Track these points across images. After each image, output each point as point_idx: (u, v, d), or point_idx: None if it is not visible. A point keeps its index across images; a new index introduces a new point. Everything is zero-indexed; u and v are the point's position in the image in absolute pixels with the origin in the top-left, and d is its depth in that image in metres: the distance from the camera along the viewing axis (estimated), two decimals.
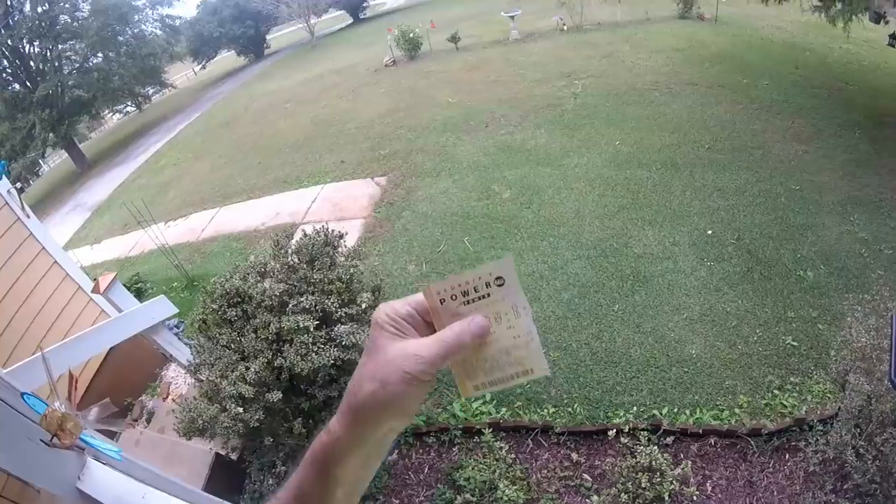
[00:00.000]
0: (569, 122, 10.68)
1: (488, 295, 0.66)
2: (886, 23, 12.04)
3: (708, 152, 8.89)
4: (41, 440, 2.29)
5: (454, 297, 0.66)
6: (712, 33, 15.42)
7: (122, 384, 6.22)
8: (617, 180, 8.41)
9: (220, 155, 15.03)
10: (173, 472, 4.44)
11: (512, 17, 18.18)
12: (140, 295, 8.00)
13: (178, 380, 6.35)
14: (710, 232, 7.07)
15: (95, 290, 4.66)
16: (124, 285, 5.31)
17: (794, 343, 5.39)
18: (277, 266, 4.38)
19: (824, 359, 5.11)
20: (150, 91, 29.01)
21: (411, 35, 18.37)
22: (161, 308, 4.78)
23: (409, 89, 15.17)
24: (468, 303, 0.66)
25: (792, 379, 5.03)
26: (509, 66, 15.09)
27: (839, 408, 3.98)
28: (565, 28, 17.72)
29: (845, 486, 3.59)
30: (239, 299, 4.15)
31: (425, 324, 0.66)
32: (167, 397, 6.18)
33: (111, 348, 5.43)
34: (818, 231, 6.93)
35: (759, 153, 8.71)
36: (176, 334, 5.76)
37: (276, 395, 3.73)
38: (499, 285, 0.65)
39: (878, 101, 10.68)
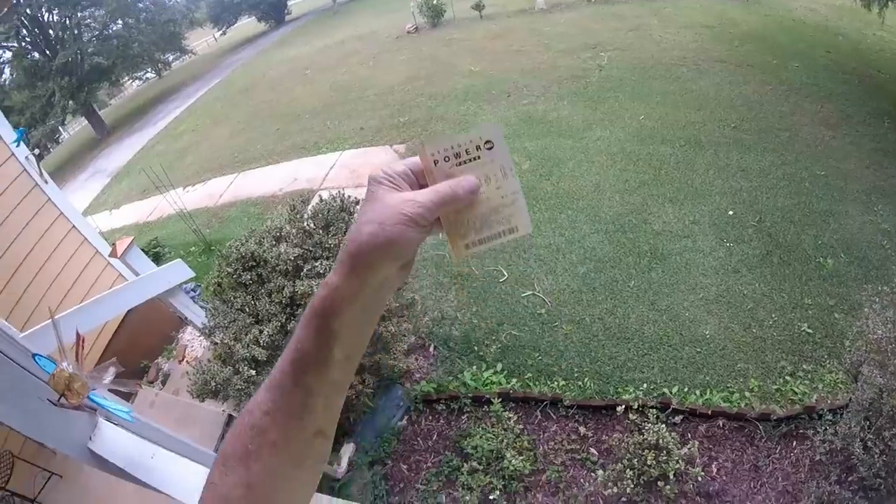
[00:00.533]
0: (592, 94, 10.48)
1: (478, 157, 0.70)
2: None
3: (733, 131, 8.68)
4: (49, 400, 2.35)
5: (447, 159, 0.69)
6: (743, 11, 14.89)
7: (139, 346, 6.39)
8: (639, 155, 8.28)
9: (238, 121, 15.05)
10: (186, 434, 4.57)
11: None
12: (158, 259, 8.14)
13: (193, 343, 6.49)
14: (731, 212, 6.95)
15: (113, 254, 4.71)
16: (142, 250, 5.38)
17: (810, 330, 5.33)
18: (293, 231, 4.41)
19: (838, 348, 5.05)
20: (170, 58, 28.85)
21: (435, 2, 18.04)
22: (178, 272, 4.83)
23: (430, 57, 14.96)
24: (460, 164, 0.70)
25: (804, 366, 4.98)
26: (533, 36, 14.77)
27: (850, 399, 3.93)
28: None
29: (850, 479, 3.58)
30: (254, 263, 4.19)
31: (419, 184, 0.69)
32: (182, 360, 6.32)
33: (128, 311, 5.54)
34: (841, 219, 6.77)
35: (786, 136, 8.47)
36: (193, 298, 5.85)
37: None
38: (488, 148, 0.70)
39: None
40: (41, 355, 2.43)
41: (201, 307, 5.25)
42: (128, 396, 5.66)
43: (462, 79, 12.57)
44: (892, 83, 10.59)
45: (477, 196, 0.70)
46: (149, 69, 28.16)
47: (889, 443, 3.29)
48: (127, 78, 28.05)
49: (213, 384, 3.78)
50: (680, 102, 9.70)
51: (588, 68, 11.67)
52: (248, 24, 36.33)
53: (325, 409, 0.65)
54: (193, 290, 6.78)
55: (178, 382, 5.97)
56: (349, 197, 4.53)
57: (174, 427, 4.73)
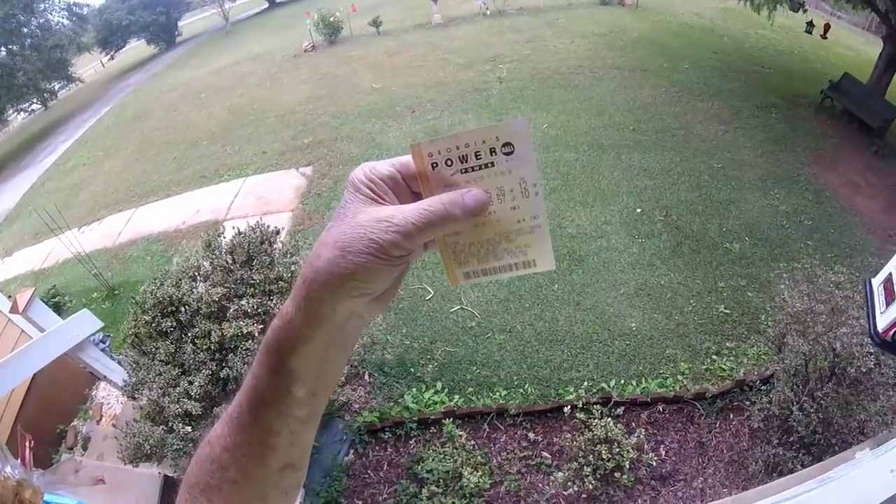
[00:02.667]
0: (495, 106, 10.74)
1: (492, 164, 0.54)
2: (805, 11, 13.06)
3: (633, 134, 9.23)
4: None
5: (449, 163, 0.54)
6: (634, 19, 15.97)
7: (51, 410, 5.73)
8: (546, 162, 8.56)
9: (132, 151, 13.98)
10: (122, 501, 4.13)
11: (434, 1, 18.02)
12: (59, 309, 7.35)
13: (109, 399, 5.88)
14: (639, 210, 7.36)
15: (14, 309, 4.26)
16: (41, 300, 4.85)
17: (727, 311, 5.74)
18: (211, 268, 4.08)
19: (756, 323, 5.50)
20: (57, 86, 26.39)
21: (331, 19, 17.76)
22: (85, 323, 4.40)
23: (330, 75, 14.69)
24: (466, 171, 0.54)
25: (728, 344, 5.36)
26: (433, 51, 14.96)
27: (776, 369, 4.26)
28: (488, 12, 17.78)
29: (790, 440, 3.87)
30: (173, 308, 3.84)
31: (410, 193, 0.56)
32: (101, 419, 5.72)
33: (35, 373, 4.97)
34: (741, 206, 7.40)
35: (682, 134, 9.15)
36: (103, 350, 5.31)
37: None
38: (506, 153, 0.54)
39: (793, 83, 11.50)
40: None
41: (112, 359, 4.76)
42: (49, 466, 5.07)
43: (364, 96, 12.43)
44: (775, 77, 11.79)
45: (483, 216, 0.56)
46: (34, 99, 25.51)
47: (822, 402, 3.60)
48: (11, 110, 25.27)
49: (147, 447, 3.41)
50: (580, 109, 10.17)
51: (489, 81, 11.95)
52: (137, 48, 34.05)
53: (292, 444, 0.57)
54: (102, 340, 6.15)
55: (100, 446, 5.37)
56: (269, 227, 4.26)
57: (105, 497, 4.26)
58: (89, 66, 33.54)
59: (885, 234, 7.23)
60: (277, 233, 4.26)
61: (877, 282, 2.15)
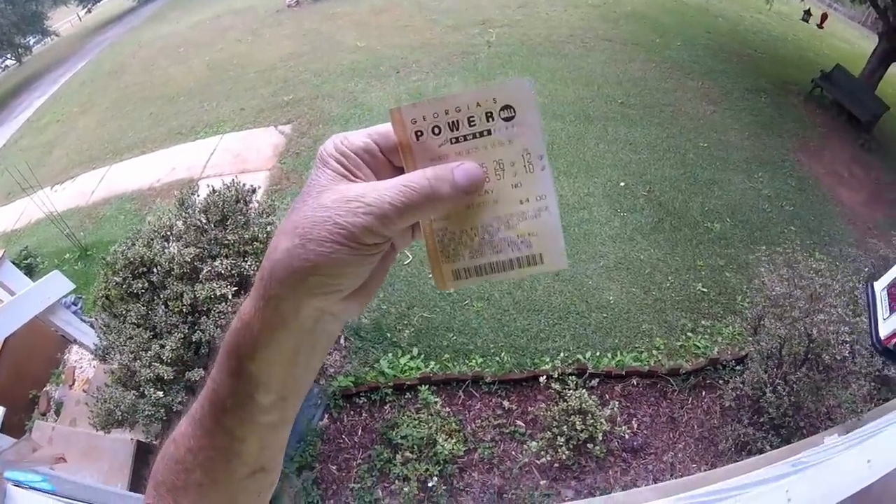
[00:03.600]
0: (482, 70, 10.50)
1: (489, 132, 0.46)
2: None
3: (621, 107, 9.12)
4: None
5: (436, 131, 0.46)
6: None
7: (23, 375, 5.62)
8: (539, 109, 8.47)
9: (107, 107, 13.50)
10: (94, 468, 4.09)
11: None
12: (31, 271, 7.18)
13: (82, 363, 5.79)
14: (622, 184, 7.33)
15: None
16: (12, 262, 4.71)
17: (704, 289, 5.80)
18: (184, 227, 3.94)
19: (732, 304, 5.58)
20: (32, 41, 25.32)
21: None
22: (56, 285, 4.28)
23: (313, 32, 14.17)
24: (457, 141, 0.46)
25: (703, 322, 5.43)
26: (420, 11, 14.50)
27: (751, 350, 4.33)
28: None
29: (761, 420, 3.96)
30: (145, 269, 3.72)
31: (391, 167, 0.47)
32: (73, 384, 5.64)
33: (6, 337, 4.85)
34: (724, 186, 7.42)
35: (670, 110, 9.08)
36: (75, 312, 5.19)
37: (197, 373, 3.43)
38: (506, 119, 0.45)
39: (785, 69, 11.43)
40: None
41: (84, 321, 4.66)
42: (22, 433, 5.00)
43: (348, 55, 12.03)
44: (767, 62, 11.69)
45: (478, 195, 0.46)
46: (8, 55, 24.47)
47: (794, 385, 3.68)
48: None
49: (119, 413, 3.33)
50: (569, 79, 9.99)
51: (477, 45, 11.64)
52: (115, 0, 32.68)
53: (262, 449, 0.51)
54: (74, 303, 6.01)
55: (73, 410, 5.29)
56: (244, 185, 4.11)
57: (79, 462, 4.20)
58: (65, 20, 32.20)
59: (864, 226, 7.34)
60: (253, 191, 4.14)
61: (880, 286, 2.10)
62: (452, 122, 0.46)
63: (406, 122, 0.46)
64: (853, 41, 15.63)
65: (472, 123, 0.46)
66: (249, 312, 0.45)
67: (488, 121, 0.46)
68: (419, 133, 0.46)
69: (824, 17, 14.58)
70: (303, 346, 0.47)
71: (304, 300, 0.43)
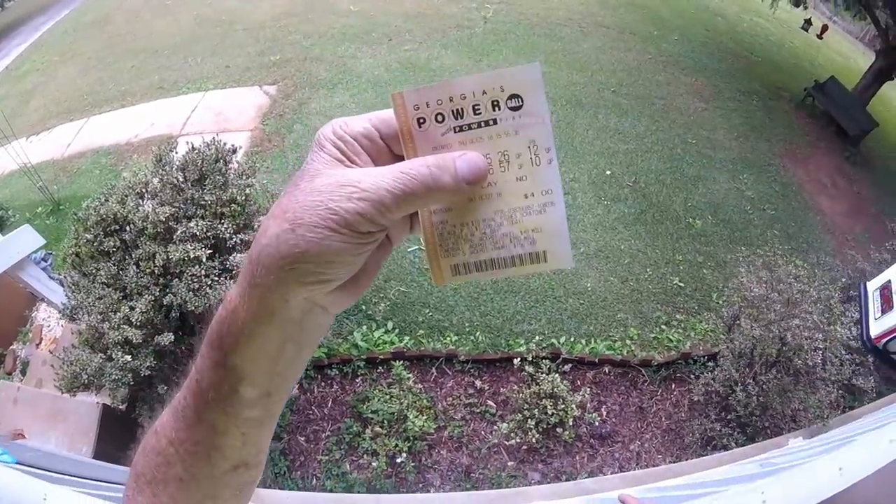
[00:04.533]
0: (477, 45, 10.32)
1: (494, 122, 0.44)
2: (805, 8, 12.98)
3: (613, 95, 9.08)
4: None
5: (440, 118, 0.44)
6: None
7: None
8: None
9: (89, 58, 13.03)
10: (59, 431, 4.01)
11: None
12: (1, 225, 6.95)
13: (50, 321, 5.63)
14: (608, 172, 7.33)
15: None
16: None
17: (681, 284, 5.86)
18: (160, 185, 3.80)
19: (707, 301, 5.66)
20: None
21: None
22: (26, 240, 4.14)
23: None
24: (461, 129, 0.44)
25: (678, 316, 5.50)
26: None
27: (723, 347, 4.41)
28: None
29: (728, 417, 4.05)
30: (117, 226, 3.60)
31: (391, 155, 0.45)
32: (40, 343, 5.50)
33: None
34: (709, 184, 7.47)
35: (662, 104, 9.07)
36: (44, 269, 5.04)
37: (167, 338, 3.34)
38: (513, 108, 0.43)
39: (779, 75, 11.44)
40: None
41: (53, 279, 4.53)
42: None
43: (341, 18, 11.66)
44: (762, 66, 11.70)
45: (481, 187, 0.44)
46: None
47: (763, 386, 3.75)
48: None
49: (85, 376, 3.23)
50: (563, 63, 9.89)
51: (473, 19, 11.40)
52: None
53: (245, 445, 0.48)
54: (44, 258, 5.84)
55: (39, 371, 5.17)
56: (225, 144, 3.95)
57: (44, 425, 4.12)
58: None
59: (843, 237, 7.47)
60: (234, 151, 4.02)
61: (872, 286, 2.12)
62: (457, 109, 0.44)
63: (408, 108, 0.44)
64: (849, 55, 15.75)
65: (478, 112, 0.44)
66: (235, 300, 0.43)
67: (494, 110, 0.44)
68: (421, 120, 0.44)
69: (825, 28, 14.63)
70: (290, 339, 0.44)
71: (292, 290, 0.41)
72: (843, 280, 5.14)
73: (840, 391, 3.99)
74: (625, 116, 8.52)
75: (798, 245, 6.88)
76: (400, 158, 0.44)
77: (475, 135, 0.44)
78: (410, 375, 4.87)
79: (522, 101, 0.43)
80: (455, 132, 0.44)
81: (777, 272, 4.02)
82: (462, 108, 0.44)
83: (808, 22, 14.59)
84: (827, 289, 4.07)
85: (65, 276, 3.94)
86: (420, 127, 0.44)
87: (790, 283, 3.96)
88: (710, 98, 9.59)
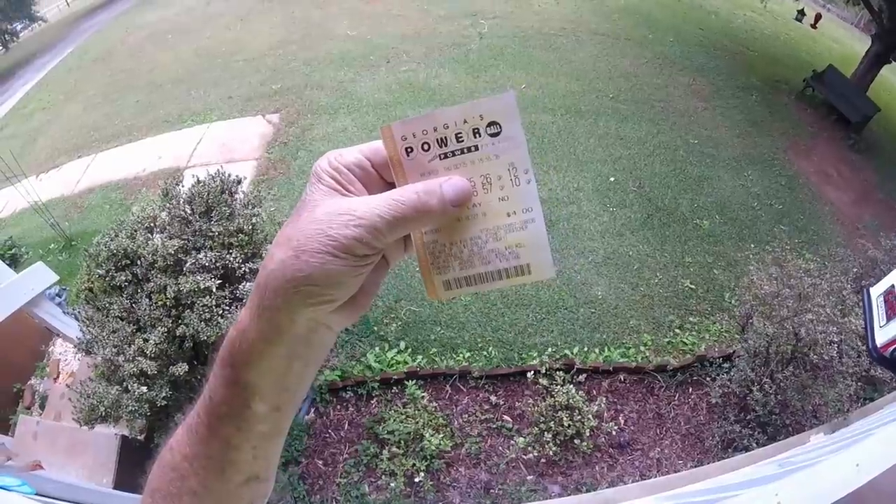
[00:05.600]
0: (474, 62, 10.40)
1: (476, 148, 0.48)
2: None
3: (612, 101, 9.10)
4: None
5: (426, 147, 0.47)
6: None
7: (7, 368, 5.57)
8: (523, 124, 8.37)
9: (94, 94, 13.28)
10: (79, 463, 4.05)
11: None
12: (15, 262, 7.08)
13: (67, 355, 5.70)
14: (612, 179, 7.32)
15: None
16: None
17: (692, 286, 5.82)
18: (168, 218, 3.87)
19: (720, 301, 5.61)
20: (19, 27, 24.81)
21: None
22: (40, 277, 4.24)
23: (303, 19, 13.94)
24: (446, 157, 0.48)
25: (691, 319, 5.45)
26: (413, 1, 14.42)
27: (738, 347, 4.36)
28: None
29: (747, 417, 3.99)
30: (128, 261, 3.65)
31: (382, 182, 0.49)
32: (58, 377, 5.57)
33: None
34: (714, 183, 7.43)
35: (661, 106, 9.07)
36: (59, 304, 5.12)
37: (181, 368, 3.37)
38: (492, 134, 0.47)
39: (776, 68, 11.45)
40: None
41: (68, 314, 4.59)
42: (7, 428, 4.95)
43: (338, 43, 11.86)
44: (759, 60, 11.70)
45: (467, 208, 0.48)
46: None
47: (781, 384, 3.70)
48: None
49: (102, 409, 3.27)
50: (560, 72, 9.93)
51: (469, 35, 11.52)
52: None
53: (256, 458, 0.52)
54: (59, 294, 5.92)
55: (58, 404, 5.22)
56: (230, 175, 4.01)
57: (63, 458, 4.16)
58: (53, 5, 31.60)
59: (852, 226, 7.40)
60: (238, 182, 4.06)
61: (876, 292, 2.06)
62: (441, 138, 0.47)
63: (396, 139, 0.47)
64: (846, 42, 15.70)
65: (460, 139, 0.47)
66: (245, 322, 0.46)
67: (475, 136, 0.47)
68: (409, 149, 0.48)
69: (818, 17, 14.64)
70: (297, 356, 0.48)
71: (298, 310, 0.45)
72: (855, 270, 5.09)
73: (859, 383, 3.93)
74: (625, 122, 8.53)
75: (808, 238, 6.83)
76: (391, 185, 0.48)
77: (459, 160, 0.48)
78: (425, 394, 4.86)
79: (501, 127, 0.47)
80: (440, 159, 0.48)
81: (787, 267, 3.98)
82: (446, 137, 0.47)
83: (801, 12, 14.61)
84: (839, 280, 4.02)
85: (79, 311, 3.99)
86: (408, 156, 0.48)
87: (800, 277, 3.92)
88: (709, 97, 9.59)
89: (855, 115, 9.68)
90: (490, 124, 0.47)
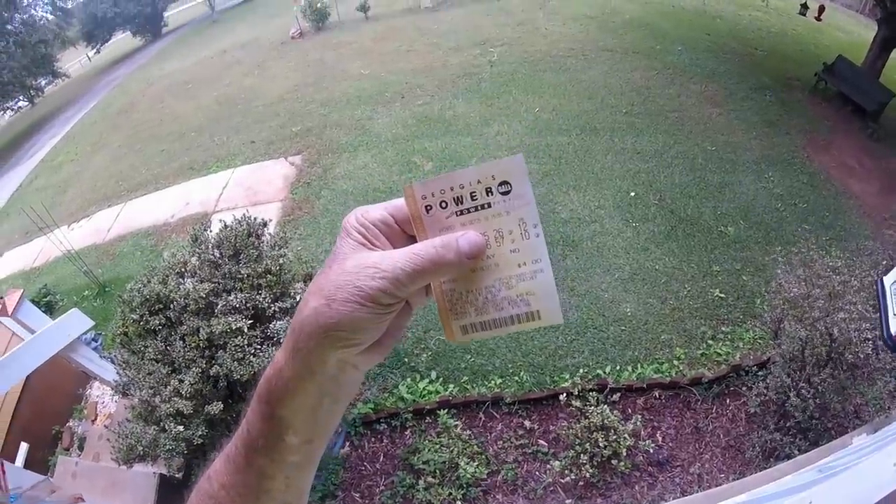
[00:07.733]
0: (486, 90, 10.57)
1: (489, 205, 0.52)
2: None
3: (625, 117, 9.11)
4: None
5: (444, 205, 0.53)
6: (625, 1, 15.76)
7: (46, 412, 5.74)
8: (539, 147, 8.43)
9: (119, 145, 13.81)
10: (119, 502, 4.12)
11: None
12: (51, 309, 7.32)
13: (104, 398, 5.86)
14: (632, 194, 7.28)
15: (2, 312, 4.23)
16: (32, 301, 4.83)
17: (722, 295, 5.71)
18: (198, 263, 4.00)
19: (751, 308, 5.48)
20: (43, 82, 25.99)
21: (318, 5, 17.48)
22: (75, 322, 4.38)
23: (318, 62, 14.43)
24: (462, 213, 0.53)
25: (723, 328, 5.34)
26: (422, 35, 14.71)
27: (773, 353, 4.25)
28: None
29: (787, 425, 3.86)
30: (161, 305, 3.77)
31: (405, 236, 0.54)
32: (95, 419, 5.71)
33: (28, 375, 4.97)
34: (735, 188, 7.34)
35: (675, 116, 9.05)
36: (95, 348, 5.27)
37: (216, 407, 3.44)
38: (503, 193, 0.52)
39: (787, 65, 11.37)
40: None
41: (104, 357, 4.73)
42: (46, 469, 5.06)
43: (353, 82, 12.23)
44: (769, 59, 11.64)
45: (481, 260, 0.53)
46: (21, 97, 25.10)
47: (818, 387, 3.59)
48: None
49: (140, 448, 3.37)
50: (572, 92, 10.02)
51: (479, 65, 11.74)
52: (123, 40, 33.48)
53: (288, 488, 0.56)
54: (94, 339, 6.10)
55: (96, 445, 5.35)
56: (255, 219, 4.16)
57: (102, 497, 4.25)
58: (75, 61, 33.15)
59: (879, 217, 7.21)
60: (264, 224, 4.18)
61: (889, 280, 2.03)
62: (457, 197, 0.52)
63: (417, 198, 0.53)
64: (852, 30, 15.48)
65: (474, 198, 0.52)
66: (281, 362, 0.51)
67: (488, 195, 0.52)
68: (429, 207, 0.53)
69: (821, 8, 14.49)
70: (327, 393, 0.53)
71: (328, 352, 0.50)
72: (885, 263, 4.93)
73: None
74: (641, 135, 8.52)
75: (836, 234, 6.67)
76: (413, 238, 0.53)
77: (474, 217, 0.53)
78: (458, 423, 4.83)
79: (511, 186, 0.52)
80: (457, 215, 0.53)
81: (814, 267, 3.89)
82: (462, 196, 0.52)
83: (805, 6, 14.49)
84: (869, 275, 3.91)
85: (115, 355, 4.13)
86: (428, 213, 0.53)
87: (829, 276, 3.82)
88: (722, 101, 9.54)
89: (870, 104, 9.49)
90: (501, 183, 0.52)
